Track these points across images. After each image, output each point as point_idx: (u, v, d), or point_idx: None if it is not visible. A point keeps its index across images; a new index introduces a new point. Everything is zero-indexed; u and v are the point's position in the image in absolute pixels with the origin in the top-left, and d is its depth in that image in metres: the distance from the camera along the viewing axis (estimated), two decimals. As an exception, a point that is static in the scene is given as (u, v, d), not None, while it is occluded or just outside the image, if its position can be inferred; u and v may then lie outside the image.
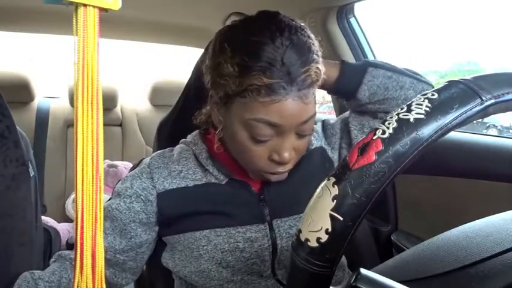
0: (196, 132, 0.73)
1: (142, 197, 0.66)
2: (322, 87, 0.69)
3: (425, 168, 1.08)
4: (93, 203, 0.28)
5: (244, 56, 0.55)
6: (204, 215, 0.66)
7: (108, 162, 1.92)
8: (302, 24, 0.61)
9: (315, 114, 0.60)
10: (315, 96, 0.61)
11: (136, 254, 0.67)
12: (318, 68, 0.58)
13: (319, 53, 0.60)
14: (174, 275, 0.73)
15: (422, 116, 0.26)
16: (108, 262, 0.65)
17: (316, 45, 0.60)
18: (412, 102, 0.28)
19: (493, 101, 0.27)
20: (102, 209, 0.29)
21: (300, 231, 0.28)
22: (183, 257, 0.68)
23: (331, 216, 0.26)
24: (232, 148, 0.63)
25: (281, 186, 0.67)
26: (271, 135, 0.58)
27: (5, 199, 0.79)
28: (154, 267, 0.74)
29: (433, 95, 0.27)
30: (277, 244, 0.66)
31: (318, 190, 0.28)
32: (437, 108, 0.26)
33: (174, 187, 0.67)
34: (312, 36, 0.61)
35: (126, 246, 0.65)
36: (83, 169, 0.28)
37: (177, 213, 0.67)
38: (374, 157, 0.26)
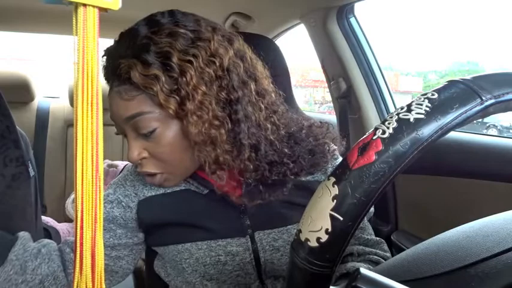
0: None
1: (123, 203, 0.65)
2: None
3: (425, 168, 1.08)
4: (93, 203, 0.28)
5: None
6: (184, 228, 0.64)
7: (108, 162, 1.91)
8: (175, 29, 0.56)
9: (144, 112, 0.56)
10: (152, 95, 0.55)
11: (111, 250, 0.65)
12: (131, 64, 0.54)
13: (163, 57, 0.54)
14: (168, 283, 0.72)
15: (422, 116, 0.26)
16: None
17: (160, 48, 0.54)
18: (412, 102, 0.28)
19: (493, 100, 0.27)
20: (102, 209, 0.29)
21: (299, 231, 0.28)
22: (172, 268, 0.67)
23: (331, 216, 0.26)
24: None
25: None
26: (121, 130, 0.61)
27: (4, 199, 0.79)
28: (152, 271, 0.73)
29: (433, 94, 0.27)
30: (260, 257, 0.64)
31: (318, 190, 0.28)
32: (437, 108, 0.26)
33: (153, 194, 0.65)
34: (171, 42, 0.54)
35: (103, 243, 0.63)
36: (82, 169, 0.28)
37: (156, 222, 0.65)
38: (374, 157, 0.26)
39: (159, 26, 0.56)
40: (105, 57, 0.60)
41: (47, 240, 0.62)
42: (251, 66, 0.61)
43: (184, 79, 0.54)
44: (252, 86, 0.60)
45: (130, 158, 0.59)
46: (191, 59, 0.54)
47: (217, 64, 0.56)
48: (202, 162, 0.58)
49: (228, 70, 0.57)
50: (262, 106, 0.61)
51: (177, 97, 0.55)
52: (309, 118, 0.73)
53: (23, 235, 0.59)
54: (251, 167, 0.59)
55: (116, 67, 0.56)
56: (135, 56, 0.54)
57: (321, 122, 0.71)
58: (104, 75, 0.60)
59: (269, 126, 0.61)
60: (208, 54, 0.56)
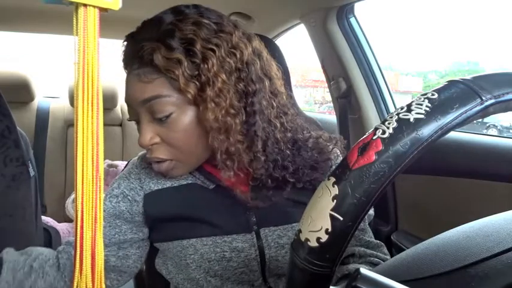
0: None
1: (129, 197, 0.65)
2: None
3: (425, 168, 1.08)
4: (93, 203, 0.28)
5: None
6: (190, 223, 0.64)
7: (108, 162, 1.92)
8: (199, 18, 0.58)
9: (162, 96, 0.57)
10: (171, 79, 0.56)
11: (118, 249, 0.65)
12: (155, 47, 0.55)
13: (185, 44, 0.56)
14: (169, 281, 0.72)
15: (422, 116, 0.26)
16: None
17: (185, 35, 0.56)
18: (412, 102, 0.28)
19: (493, 100, 0.27)
20: (102, 209, 0.29)
21: (299, 230, 0.28)
22: (174, 264, 0.67)
23: (331, 216, 0.26)
24: None
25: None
26: (135, 115, 0.61)
27: (5, 199, 0.79)
28: (152, 271, 0.73)
29: (433, 94, 0.27)
30: (265, 254, 0.64)
31: (318, 190, 0.28)
32: (437, 108, 0.26)
33: (160, 187, 0.66)
34: (195, 30, 0.56)
35: (109, 241, 0.64)
36: (83, 169, 0.28)
37: (162, 216, 0.65)
38: (374, 157, 0.26)
39: (184, 15, 0.58)
40: (125, 42, 0.61)
41: (36, 252, 0.60)
42: (267, 65, 0.63)
43: (206, 66, 0.56)
44: (267, 84, 0.62)
45: (142, 142, 0.59)
46: (214, 47, 0.56)
47: (238, 56, 0.58)
48: (215, 148, 0.58)
49: (247, 64, 0.59)
50: (274, 104, 0.62)
51: (197, 82, 0.56)
52: (318, 129, 0.73)
53: (7, 257, 0.57)
54: (262, 159, 0.60)
55: (139, 50, 0.56)
56: (159, 40, 0.56)
57: (330, 137, 0.71)
58: (123, 60, 0.61)
59: (278, 125, 0.62)
60: (229, 46, 0.58)
